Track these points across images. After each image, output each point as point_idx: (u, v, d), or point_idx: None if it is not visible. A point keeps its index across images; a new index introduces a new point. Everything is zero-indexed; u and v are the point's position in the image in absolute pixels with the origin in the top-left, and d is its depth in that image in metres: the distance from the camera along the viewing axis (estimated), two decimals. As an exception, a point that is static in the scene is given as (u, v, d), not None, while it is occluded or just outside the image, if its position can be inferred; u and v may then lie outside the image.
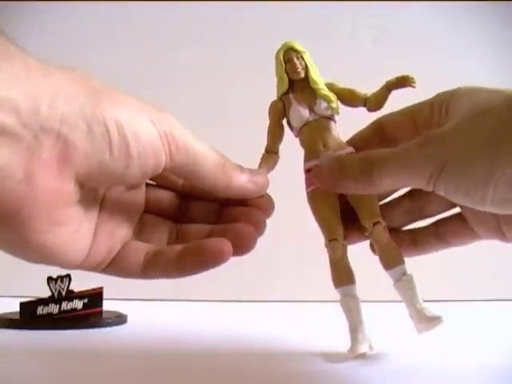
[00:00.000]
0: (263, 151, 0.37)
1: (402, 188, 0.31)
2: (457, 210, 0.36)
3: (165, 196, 0.34)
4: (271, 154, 0.37)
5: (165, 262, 0.31)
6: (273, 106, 0.37)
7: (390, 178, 0.30)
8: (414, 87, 0.35)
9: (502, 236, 0.33)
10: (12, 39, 0.26)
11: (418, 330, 0.33)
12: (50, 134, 0.26)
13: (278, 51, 0.36)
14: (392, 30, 0.73)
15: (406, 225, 0.37)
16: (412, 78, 0.35)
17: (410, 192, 0.37)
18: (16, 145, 0.25)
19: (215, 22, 0.73)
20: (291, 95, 0.37)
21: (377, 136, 0.36)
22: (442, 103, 0.32)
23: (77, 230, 0.29)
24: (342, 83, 0.37)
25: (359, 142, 0.36)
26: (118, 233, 0.31)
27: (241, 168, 0.32)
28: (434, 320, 0.33)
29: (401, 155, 0.30)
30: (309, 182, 0.36)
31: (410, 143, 0.30)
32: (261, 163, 0.36)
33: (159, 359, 0.37)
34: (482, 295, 0.67)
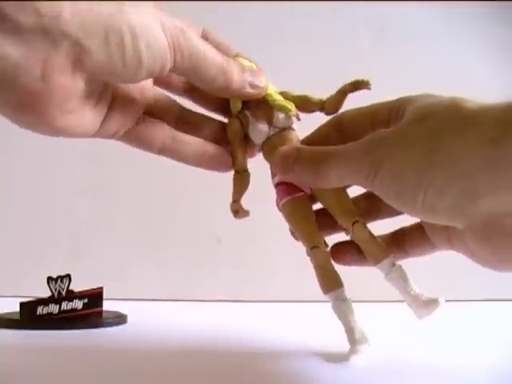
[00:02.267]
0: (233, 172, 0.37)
1: (349, 184, 0.32)
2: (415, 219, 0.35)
3: (171, 103, 0.38)
4: (241, 173, 0.37)
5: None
6: (230, 127, 0.37)
7: (335, 172, 0.31)
8: (369, 89, 0.35)
9: (452, 245, 0.33)
10: None
11: (417, 316, 0.33)
12: (69, 39, 0.28)
13: None
14: (392, 30, 0.74)
15: (367, 222, 0.37)
16: (367, 82, 0.35)
17: (368, 192, 0.37)
18: (35, 45, 0.27)
19: (216, 21, 0.73)
20: (247, 112, 0.36)
21: (335, 133, 0.36)
22: (400, 107, 0.32)
23: (87, 116, 0.32)
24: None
25: (317, 138, 0.36)
26: (127, 117, 0.35)
27: (242, 70, 0.34)
28: (432, 303, 0.33)
29: (345, 151, 0.31)
30: (280, 195, 0.36)
31: (357, 141, 0.31)
32: (234, 185, 0.37)
33: (159, 359, 0.37)
34: (481, 295, 0.67)
